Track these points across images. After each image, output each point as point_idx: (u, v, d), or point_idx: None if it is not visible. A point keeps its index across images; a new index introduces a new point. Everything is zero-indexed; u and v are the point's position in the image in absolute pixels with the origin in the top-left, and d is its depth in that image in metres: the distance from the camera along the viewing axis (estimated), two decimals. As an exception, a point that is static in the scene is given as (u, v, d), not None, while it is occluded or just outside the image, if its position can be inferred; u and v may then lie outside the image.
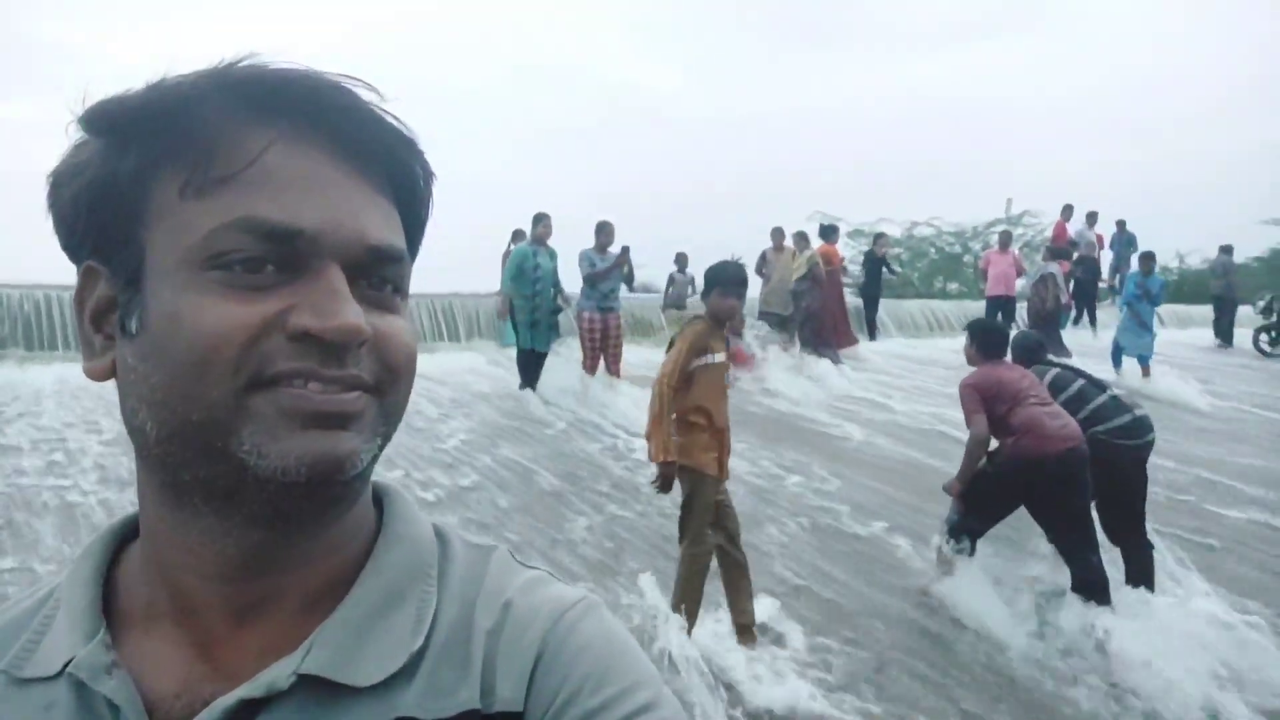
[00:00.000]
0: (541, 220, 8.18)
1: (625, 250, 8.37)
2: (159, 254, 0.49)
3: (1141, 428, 4.34)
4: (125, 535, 0.59)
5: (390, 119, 0.53)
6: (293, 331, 0.48)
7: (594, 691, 0.52)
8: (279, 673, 0.50)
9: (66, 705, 0.51)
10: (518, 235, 10.20)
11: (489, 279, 11.12)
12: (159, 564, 0.54)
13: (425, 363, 8.48)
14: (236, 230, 0.47)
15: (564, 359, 8.75)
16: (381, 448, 0.53)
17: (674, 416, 3.50)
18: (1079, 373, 4.63)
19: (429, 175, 0.57)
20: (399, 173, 0.55)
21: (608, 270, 8.27)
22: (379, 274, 0.52)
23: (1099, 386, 4.50)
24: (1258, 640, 3.84)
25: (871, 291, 13.69)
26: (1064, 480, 4.03)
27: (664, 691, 0.54)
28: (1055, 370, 4.58)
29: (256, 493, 0.48)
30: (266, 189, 0.48)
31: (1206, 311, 15.91)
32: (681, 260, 12.22)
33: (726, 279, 3.52)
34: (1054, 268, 11.68)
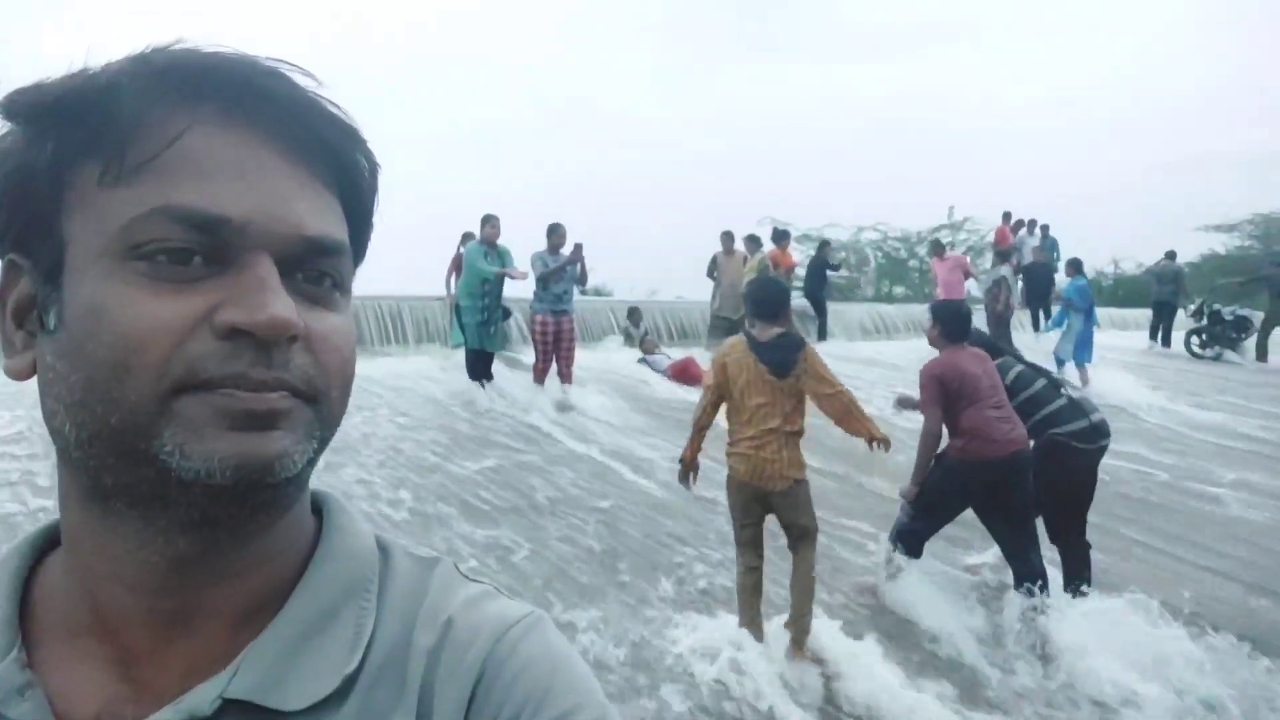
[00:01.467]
0: (490, 221, 8.17)
1: (578, 247, 8.35)
2: (79, 246, 0.47)
3: (1097, 433, 4.40)
4: (45, 545, 0.55)
5: (330, 107, 0.51)
6: (220, 328, 0.45)
7: (535, 714, 0.50)
8: (203, 697, 0.47)
9: None
10: (467, 238, 10.10)
11: (438, 283, 10.94)
12: (81, 574, 0.51)
13: (371, 368, 8.36)
14: (158, 219, 0.45)
15: (514, 363, 8.71)
16: (318, 452, 0.50)
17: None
18: (1041, 372, 4.64)
19: (373, 166, 0.54)
20: (340, 163, 0.52)
21: (560, 268, 8.24)
22: (316, 267, 0.50)
23: (1058, 388, 4.54)
24: (1175, 634, 3.96)
25: (817, 295, 13.83)
26: (1008, 482, 4.12)
27: (608, 711, 0.53)
28: (1019, 369, 4.56)
29: (181, 496, 0.46)
30: (190, 175, 0.46)
31: (1141, 315, 16.43)
32: (635, 315, 11.97)
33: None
34: (1005, 270, 11.98)
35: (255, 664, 0.48)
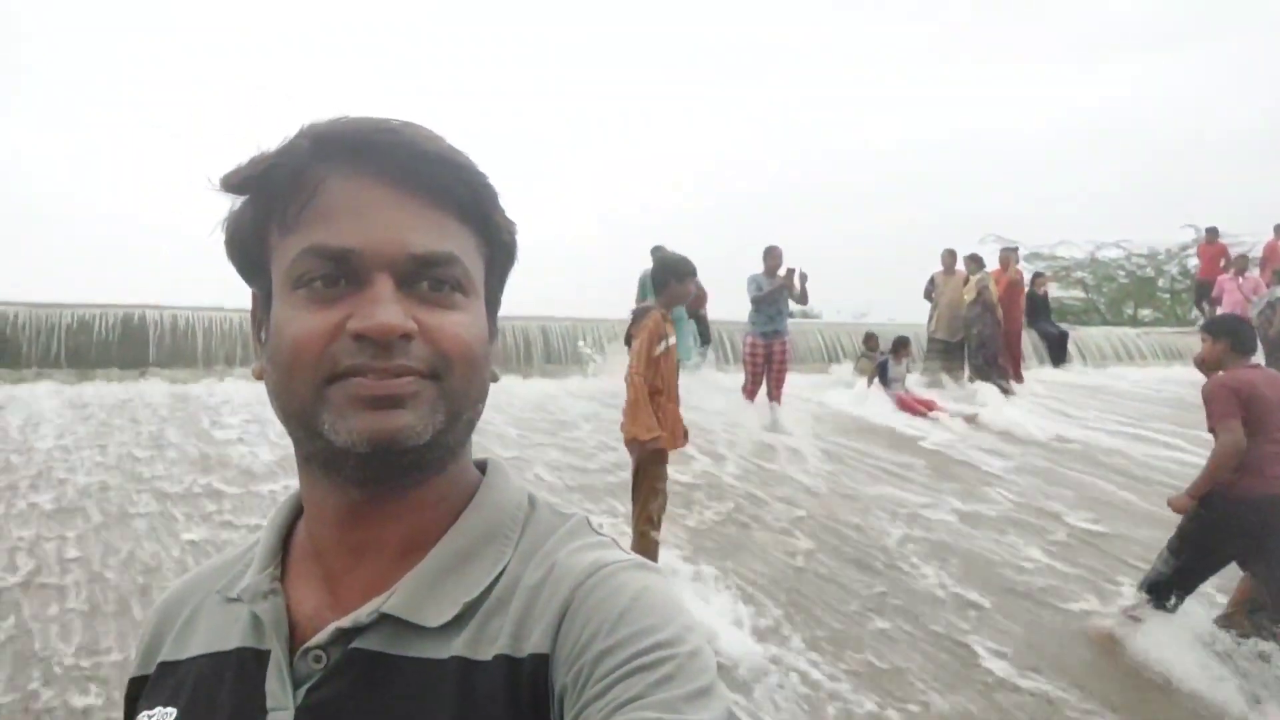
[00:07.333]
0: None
1: (791, 272, 8.41)
2: (275, 281, 0.64)
3: None
4: None
5: (434, 148, 0.63)
6: (350, 333, 0.59)
7: (610, 633, 0.57)
8: (366, 610, 0.62)
9: (243, 619, 0.67)
10: (655, 250, 10.30)
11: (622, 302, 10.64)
12: (307, 515, 0.69)
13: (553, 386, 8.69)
14: (307, 256, 0.61)
15: (722, 383, 8.78)
16: (448, 423, 0.62)
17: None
18: None
19: (479, 187, 0.65)
20: (447, 190, 0.64)
21: (772, 293, 8.30)
22: (433, 276, 0.62)
23: None
24: None
25: (1035, 323, 13.03)
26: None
27: (687, 635, 0.57)
28: None
29: (344, 462, 0.61)
30: (327, 219, 0.61)
31: None
32: (872, 340, 11.41)
33: (688, 270, 4.39)
34: None
35: (406, 588, 0.63)
